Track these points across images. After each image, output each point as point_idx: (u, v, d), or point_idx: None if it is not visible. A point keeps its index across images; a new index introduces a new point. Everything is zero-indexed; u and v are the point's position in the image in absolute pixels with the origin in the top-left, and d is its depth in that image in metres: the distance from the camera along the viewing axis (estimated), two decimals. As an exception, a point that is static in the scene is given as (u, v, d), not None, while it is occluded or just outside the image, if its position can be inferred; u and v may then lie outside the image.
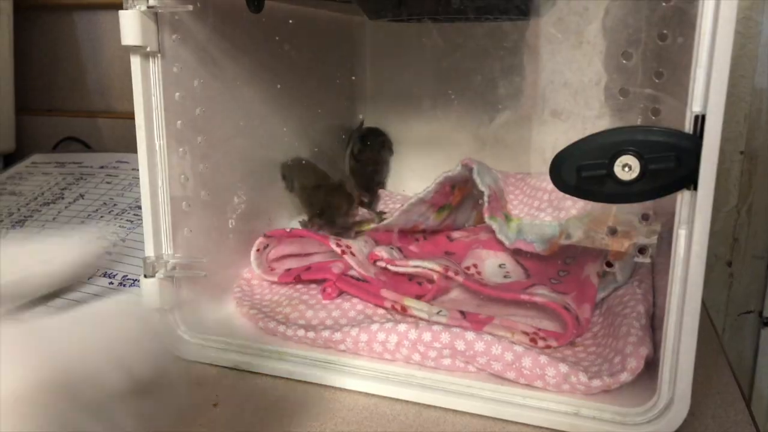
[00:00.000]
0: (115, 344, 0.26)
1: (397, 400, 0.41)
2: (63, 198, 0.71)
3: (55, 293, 0.51)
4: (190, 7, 0.44)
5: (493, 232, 0.57)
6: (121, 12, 0.42)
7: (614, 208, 0.46)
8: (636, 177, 0.33)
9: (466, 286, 0.52)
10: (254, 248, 0.55)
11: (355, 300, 0.51)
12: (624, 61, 0.38)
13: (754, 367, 0.78)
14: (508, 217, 0.58)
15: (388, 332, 0.44)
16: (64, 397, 0.23)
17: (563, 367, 0.40)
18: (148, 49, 0.43)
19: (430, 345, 0.43)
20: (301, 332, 0.46)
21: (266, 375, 0.44)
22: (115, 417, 0.25)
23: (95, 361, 0.25)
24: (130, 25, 0.42)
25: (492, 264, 0.58)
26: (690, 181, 0.32)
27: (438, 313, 0.48)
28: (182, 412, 0.38)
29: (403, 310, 0.48)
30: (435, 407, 0.41)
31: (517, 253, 0.57)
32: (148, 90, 0.44)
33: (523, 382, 0.40)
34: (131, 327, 0.27)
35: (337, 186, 0.61)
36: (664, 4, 0.36)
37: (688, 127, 0.32)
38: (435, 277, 0.51)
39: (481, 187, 0.56)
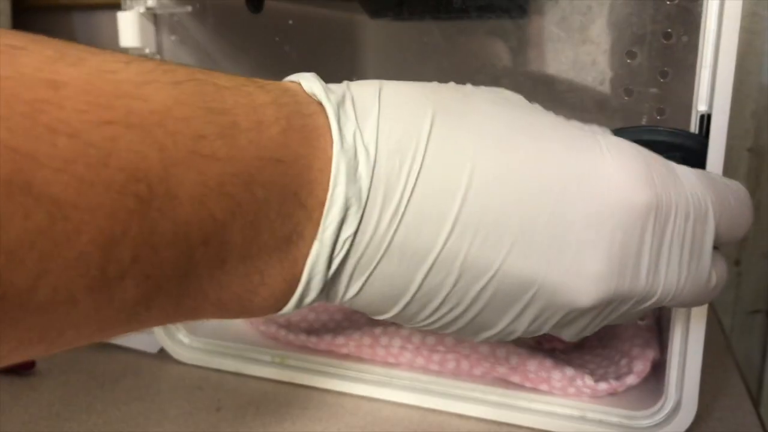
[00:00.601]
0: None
1: (401, 404, 0.41)
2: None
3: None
4: (189, 8, 0.44)
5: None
6: (119, 13, 0.42)
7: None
8: (641, 177, 0.32)
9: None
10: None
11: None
12: (628, 61, 0.38)
13: (762, 368, 0.78)
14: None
15: (391, 335, 0.43)
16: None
17: (569, 370, 0.39)
18: (147, 51, 0.42)
19: (433, 348, 0.42)
20: (303, 336, 0.45)
21: (268, 380, 0.44)
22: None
23: None
24: (129, 27, 0.42)
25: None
26: (696, 181, 0.32)
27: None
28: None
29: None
30: (439, 411, 0.40)
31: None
32: (147, 92, 0.43)
33: (528, 385, 0.40)
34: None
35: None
36: (668, 2, 0.36)
37: (694, 126, 0.32)
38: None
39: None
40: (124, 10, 0.42)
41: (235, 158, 0.19)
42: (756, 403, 0.41)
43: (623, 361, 0.40)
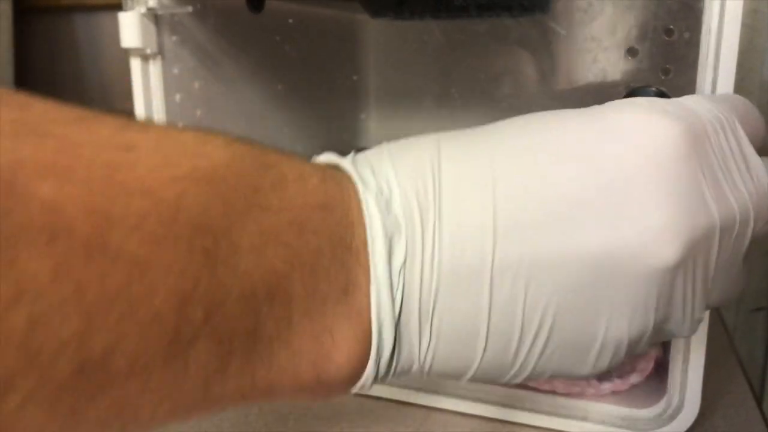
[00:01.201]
0: None
1: (404, 403, 0.41)
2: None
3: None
4: (190, 9, 0.44)
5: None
6: (120, 14, 0.41)
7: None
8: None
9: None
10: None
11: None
12: (630, 58, 0.38)
13: (765, 365, 0.77)
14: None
15: (394, 334, 0.43)
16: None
17: (571, 369, 0.39)
18: (148, 51, 0.42)
19: (436, 347, 0.42)
20: (305, 335, 0.45)
21: (271, 379, 0.44)
22: None
23: None
24: (130, 27, 0.41)
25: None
26: (699, 178, 0.31)
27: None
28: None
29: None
30: (442, 410, 0.40)
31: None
32: (148, 92, 0.43)
33: (532, 384, 0.40)
34: None
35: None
36: (669, -1, 0.36)
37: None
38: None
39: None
40: (126, 10, 0.42)
41: (286, 208, 0.20)
42: (759, 401, 0.41)
43: (626, 360, 0.40)
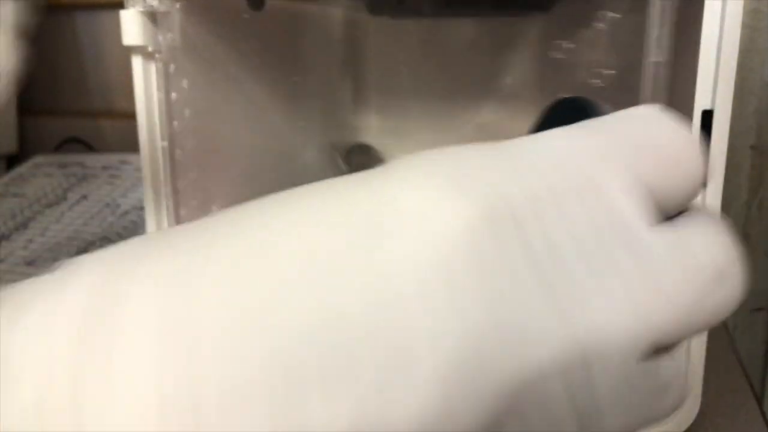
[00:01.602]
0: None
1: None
2: (66, 200, 0.71)
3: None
4: (188, 6, 0.44)
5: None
6: (122, 12, 0.42)
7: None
8: (643, 174, 0.32)
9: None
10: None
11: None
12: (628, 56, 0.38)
13: (765, 365, 0.77)
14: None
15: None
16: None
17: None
18: (150, 49, 0.43)
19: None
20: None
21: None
22: None
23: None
24: (131, 25, 0.42)
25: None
26: (699, 178, 0.31)
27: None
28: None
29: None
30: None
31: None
32: (149, 90, 0.43)
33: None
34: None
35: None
36: (670, -2, 0.36)
37: (696, 123, 0.32)
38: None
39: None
40: (127, 8, 0.42)
41: None
42: (759, 401, 0.41)
43: None
